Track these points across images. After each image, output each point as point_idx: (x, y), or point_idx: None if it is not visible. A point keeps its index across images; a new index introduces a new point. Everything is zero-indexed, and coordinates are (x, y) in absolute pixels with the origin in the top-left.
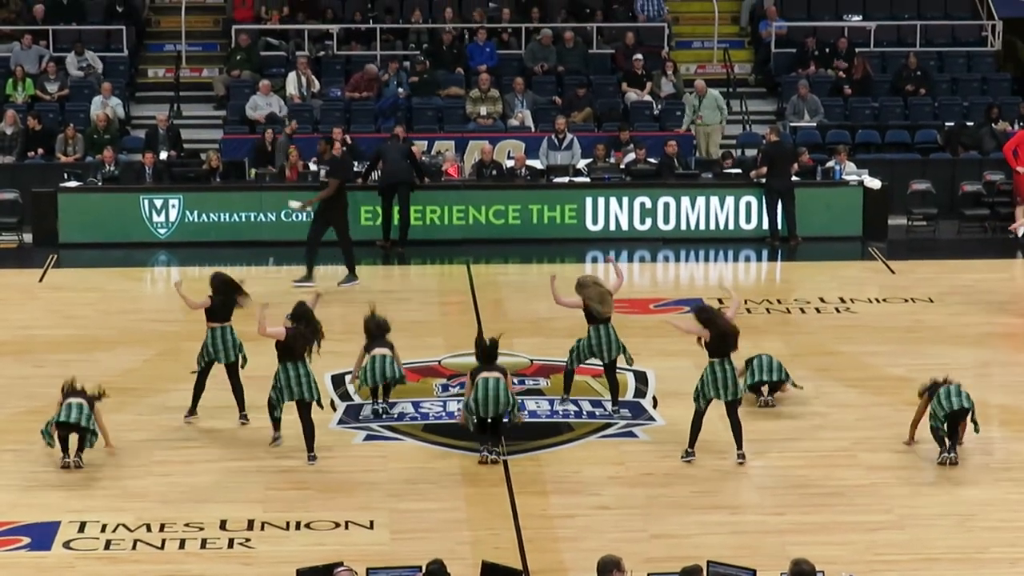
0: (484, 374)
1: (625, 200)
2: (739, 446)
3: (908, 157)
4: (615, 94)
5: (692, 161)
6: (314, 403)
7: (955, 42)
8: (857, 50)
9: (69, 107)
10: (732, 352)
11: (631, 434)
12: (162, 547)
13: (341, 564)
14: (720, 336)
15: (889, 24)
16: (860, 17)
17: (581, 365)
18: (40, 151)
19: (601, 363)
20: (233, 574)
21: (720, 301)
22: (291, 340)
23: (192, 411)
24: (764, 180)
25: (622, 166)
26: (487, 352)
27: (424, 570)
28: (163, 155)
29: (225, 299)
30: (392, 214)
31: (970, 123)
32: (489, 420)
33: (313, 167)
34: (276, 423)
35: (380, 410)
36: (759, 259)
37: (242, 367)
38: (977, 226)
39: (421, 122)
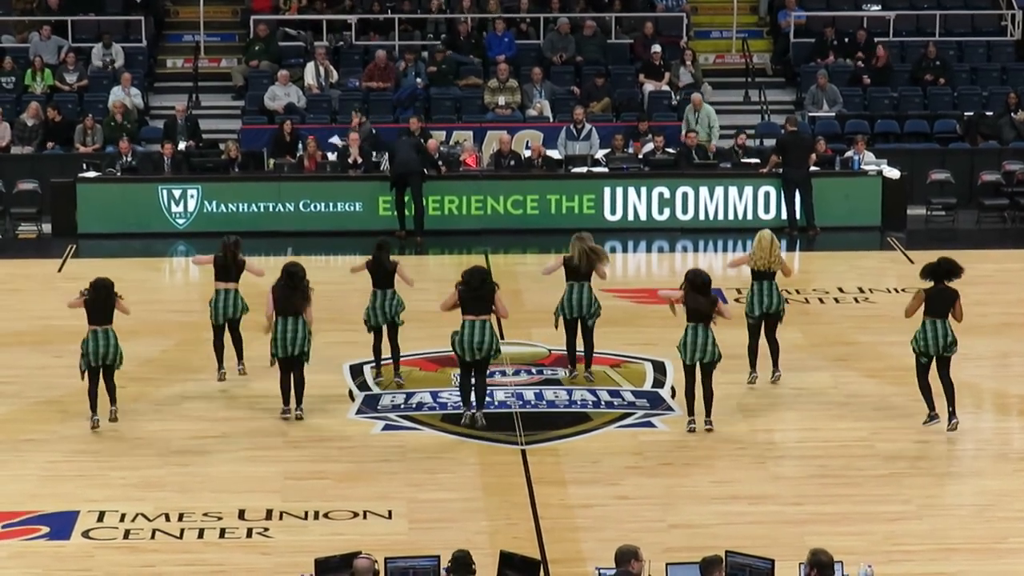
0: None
1: (643, 190)
2: (707, 413)
3: (927, 147)
4: (633, 84)
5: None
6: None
7: (974, 32)
8: (876, 39)
9: (88, 98)
10: (702, 321)
11: (650, 424)
12: (181, 537)
13: (360, 553)
14: (693, 301)
15: (908, 13)
16: (879, 6)
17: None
18: (51, 144)
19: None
20: (252, 564)
21: (739, 291)
22: (275, 294)
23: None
24: (781, 170)
25: (640, 156)
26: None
27: (451, 558)
28: (181, 145)
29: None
30: (404, 205)
31: (989, 113)
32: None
33: (332, 156)
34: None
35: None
36: None
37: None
38: (996, 216)
39: (439, 112)
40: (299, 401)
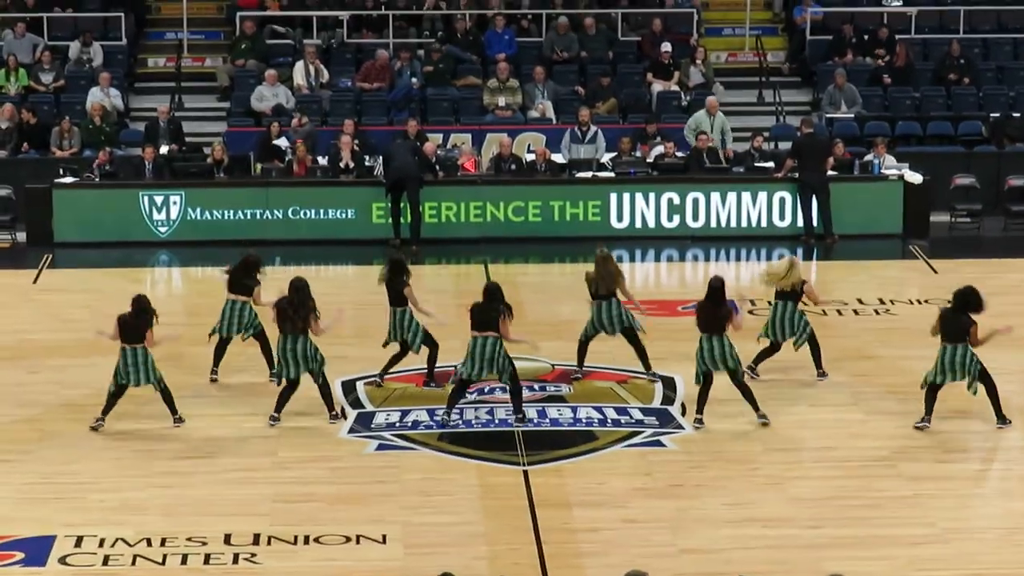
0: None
1: (652, 196)
2: (755, 408)
3: (951, 150)
4: (641, 84)
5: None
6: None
7: (1001, 28)
8: (897, 37)
9: (64, 99)
10: (716, 331)
11: (658, 443)
12: (163, 563)
13: None
14: (706, 312)
15: (931, 9)
16: (900, 2)
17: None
18: (26, 147)
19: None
20: None
21: (752, 303)
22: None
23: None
24: (796, 175)
25: (649, 160)
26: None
27: None
28: (164, 149)
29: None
30: (401, 212)
31: (1017, 114)
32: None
33: (323, 161)
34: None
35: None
36: None
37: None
38: None
39: (436, 114)
40: (329, 406)
